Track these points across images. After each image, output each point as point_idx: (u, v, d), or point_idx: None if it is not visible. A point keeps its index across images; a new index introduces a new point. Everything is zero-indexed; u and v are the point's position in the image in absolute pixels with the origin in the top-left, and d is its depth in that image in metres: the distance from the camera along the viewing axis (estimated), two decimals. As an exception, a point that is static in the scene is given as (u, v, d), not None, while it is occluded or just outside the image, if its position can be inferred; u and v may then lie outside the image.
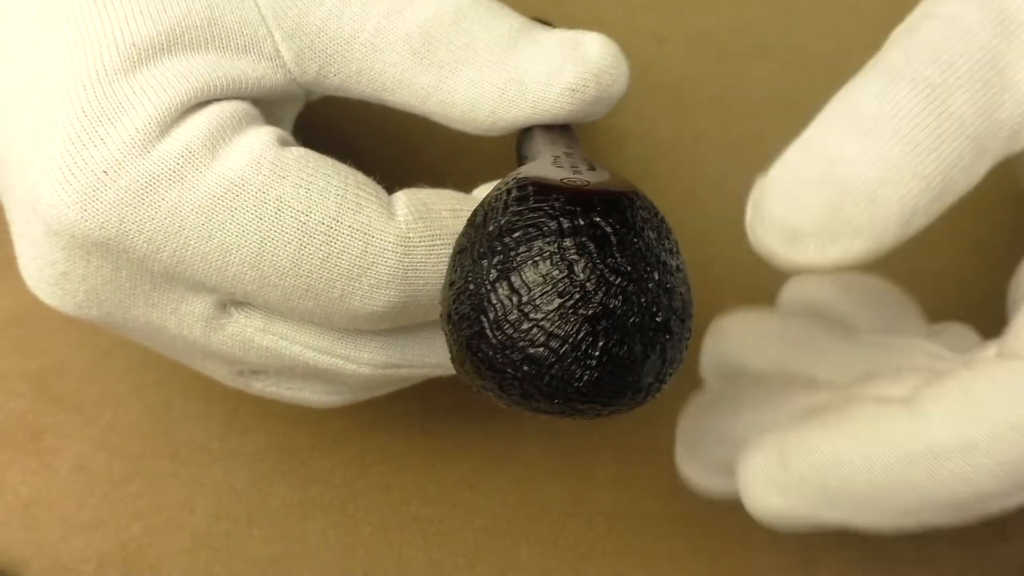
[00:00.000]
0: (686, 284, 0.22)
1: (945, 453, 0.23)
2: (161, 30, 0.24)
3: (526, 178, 0.22)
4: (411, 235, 0.24)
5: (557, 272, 0.20)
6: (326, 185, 0.24)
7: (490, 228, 0.21)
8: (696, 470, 0.29)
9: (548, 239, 0.20)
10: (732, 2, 0.35)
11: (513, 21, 0.27)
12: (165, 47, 0.24)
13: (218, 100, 0.25)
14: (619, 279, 0.20)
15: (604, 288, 0.20)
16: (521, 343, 0.20)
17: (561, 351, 0.20)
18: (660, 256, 0.21)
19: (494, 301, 0.20)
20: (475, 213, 0.22)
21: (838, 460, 0.24)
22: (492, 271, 0.21)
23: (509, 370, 0.21)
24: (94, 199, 0.23)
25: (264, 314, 0.26)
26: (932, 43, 0.23)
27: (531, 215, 0.21)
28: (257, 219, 0.24)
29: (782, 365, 0.29)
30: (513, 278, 0.20)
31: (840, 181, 0.23)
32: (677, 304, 0.21)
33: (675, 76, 0.35)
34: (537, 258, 0.20)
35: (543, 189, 0.21)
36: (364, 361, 0.27)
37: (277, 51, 0.26)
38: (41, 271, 0.25)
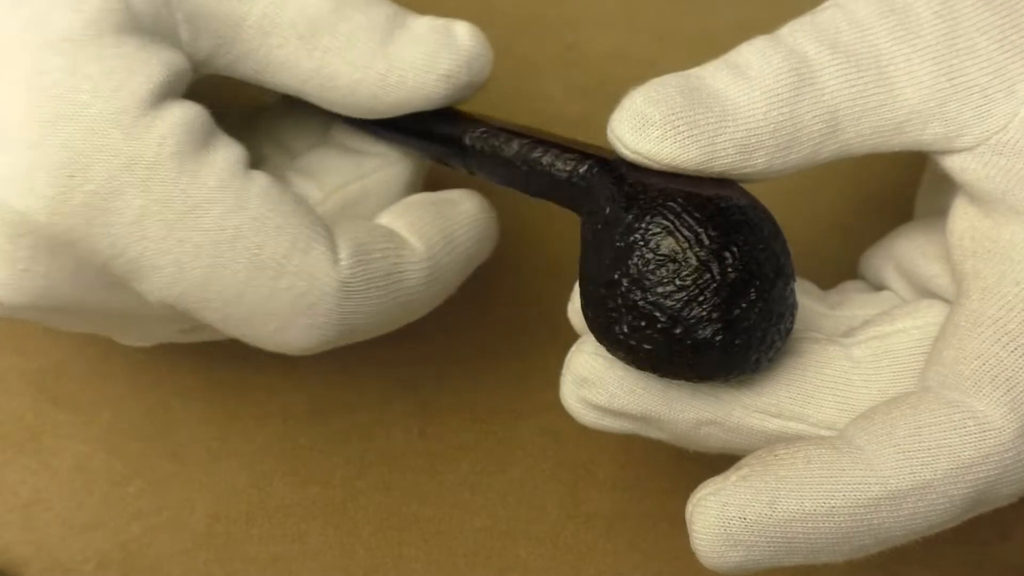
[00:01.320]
0: None
1: (903, 495, 0.24)
2: (86, 20, 0.24)
3: (646, 187, 0.24)
4: (351, 281, 0.26)
5: (723, 267, 0.23)
6: (283, 223, 0.25)
7: (634, 237, 0.24)
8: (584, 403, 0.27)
9: (701, 249, 0.23)
10: (732, 2, 0.35)
11: (387, 8, 0.28)
12: (96, 36, 0.24)
13: (176, 102, 0.25)
14: (766, 256, 0.24)
15: (756, 268, 0.24)
16: (699, 327, 0.23)
17: (739, 325, 0.24)
18: (773, 230, 0.25)
19: (665, 300, 0.23)
20: (603, 223, 0.24)
21: (802, 513, 0.24)
22: (663, 279, 0.23)
23: (689, 353, 0.24)
24: (62, 203, 0.23)
25: None
26: (823, 26, 0.26)
27: (674, 220, 0.24)
28: (213, 244, 0.24)
29: None
30: (681, 281, 0.23)
31: (700, 94, 0.25)
32: (793, 266, 0.25)
33: (675, 76, 0.35)
34: (698, 262, 0.23)
35: (670, 198, 0.24)
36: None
37: (178, 32, 0.26)
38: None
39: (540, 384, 0.34)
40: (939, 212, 0.29)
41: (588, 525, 0.34)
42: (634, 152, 0.25)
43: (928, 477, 0.24)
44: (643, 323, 0.24)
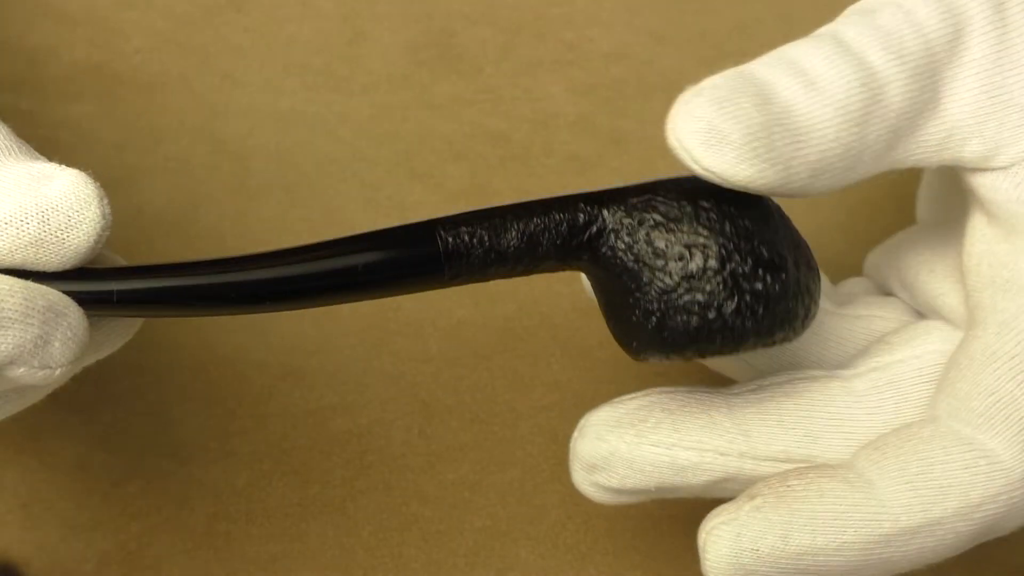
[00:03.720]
0: None
1: (913, 531, 0.24)
2: None
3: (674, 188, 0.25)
4: None
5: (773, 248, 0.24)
6: None
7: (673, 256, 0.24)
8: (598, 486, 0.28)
9: (738, 239, 0.24)
10: (732, 2, 0.35)
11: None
12: None
13: None
14: (784, 227, 0.25)
15: (783, 242, 0.25)
16: (751, 301, 0.24)
17: (787, 289, 0.24)
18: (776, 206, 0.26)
19: (710, 290, 0.24)
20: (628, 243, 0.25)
21: (814, 547, 0.24)
22: (708, 278, 0.24)
23: (750, 322, 0.24)
24: None
25: None
26: (887, 31, 0.24)
27: (693, 215, 0.24)
28: None
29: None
30: (731, 265, 0.24)
31: (776, 111, 0.23)
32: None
33: (675, 76, 0.35)
34: (740, 251, 0.24)
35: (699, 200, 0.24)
36: None
37: None
38: None
39: (540, 384, 0.34)
40: (944, 222, 0.29)
41: (588, 525, 0.34)
42: (706, 170, 0.23)
43: (938, 515, 0.24)
44: (701, 299, 0.24)
